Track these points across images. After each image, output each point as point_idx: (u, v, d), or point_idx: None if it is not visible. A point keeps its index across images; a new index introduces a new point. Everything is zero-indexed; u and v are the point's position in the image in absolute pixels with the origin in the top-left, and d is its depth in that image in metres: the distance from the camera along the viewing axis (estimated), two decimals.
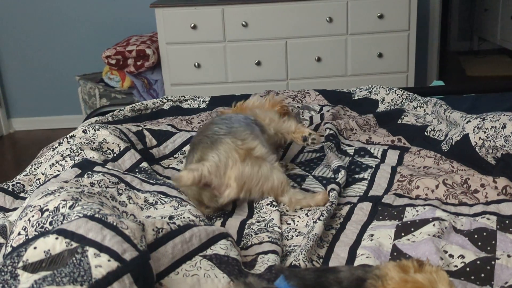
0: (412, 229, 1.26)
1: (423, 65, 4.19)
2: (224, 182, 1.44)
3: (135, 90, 3.71)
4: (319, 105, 2.30)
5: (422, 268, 0.88)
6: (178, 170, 1.73)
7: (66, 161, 1.56)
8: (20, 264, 0.91)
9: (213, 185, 1.44)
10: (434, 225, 1.26)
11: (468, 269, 1.12)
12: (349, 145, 1.87)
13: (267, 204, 1.47)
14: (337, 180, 1.56)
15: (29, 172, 1.68)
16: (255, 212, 1.47)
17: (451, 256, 1.16)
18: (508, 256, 1.14)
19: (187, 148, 1.86)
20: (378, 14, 3.49)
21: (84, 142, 1.68)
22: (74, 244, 0.93)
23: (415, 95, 2.29)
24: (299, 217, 1.43)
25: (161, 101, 2.38)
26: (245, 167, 1.44)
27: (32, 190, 1.56)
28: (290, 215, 1.45)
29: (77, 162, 1.53)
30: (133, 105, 2.29)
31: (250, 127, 1.59)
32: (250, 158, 1.46)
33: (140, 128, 1.90)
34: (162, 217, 1.22)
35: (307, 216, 1.42)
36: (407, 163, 1.70)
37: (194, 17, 3.50)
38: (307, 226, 1.37)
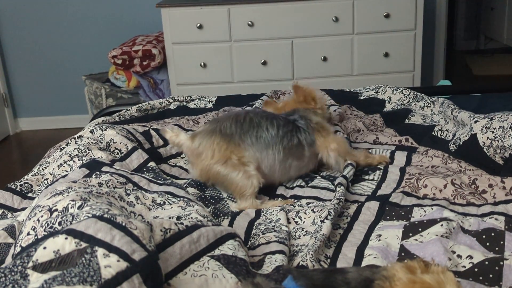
0: (420, 229, 1.26)
1: (430, 65, 4.18)
2: (194, 163, 1.60)
3: (141, 90, 3.72)
4: (326, 104, 2.29)
5: (428, 269, 0.88)
6: (185, 169, 1.74)
7: (74, 161, 1.57)
8: (30, 264, 0.92)
9: (188, 157, 1.65)
10: (442, 225, 1.25)
11: (476, 269, 1.11)
12: (356, 148, 1.87)
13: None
14: (344, 174, 1.56)
15: (37, 172, 1.69)
16: (261, 213, 1.47)
17: (459, 256, 1.16)
18: None
19: None
20: (384, 14, 3.48)
21: (91, 142, 1.69)
22: (84, 244, 0.93)
23: (422, 94, 2.28)
24: (305, 213, 1.43)
25: (167, 101, 2.38)
26: (215, 166, 1.55)
27: (40, 190, 1.56)
28: (294, 215, 1.45)
29: (85, 162, 1.54)
30: (140, 105, 2.29)
31: (265, 142, 1.58)
32: (227, 162, 1.54)
33: (147, 128, 1.91)
34: (169, 218, 1.22)
35: (314, 212, 1.42)
36: (415, 163, 1.70)
37: (200, 17, 3.50)
38: (314, 224, 1.37)
